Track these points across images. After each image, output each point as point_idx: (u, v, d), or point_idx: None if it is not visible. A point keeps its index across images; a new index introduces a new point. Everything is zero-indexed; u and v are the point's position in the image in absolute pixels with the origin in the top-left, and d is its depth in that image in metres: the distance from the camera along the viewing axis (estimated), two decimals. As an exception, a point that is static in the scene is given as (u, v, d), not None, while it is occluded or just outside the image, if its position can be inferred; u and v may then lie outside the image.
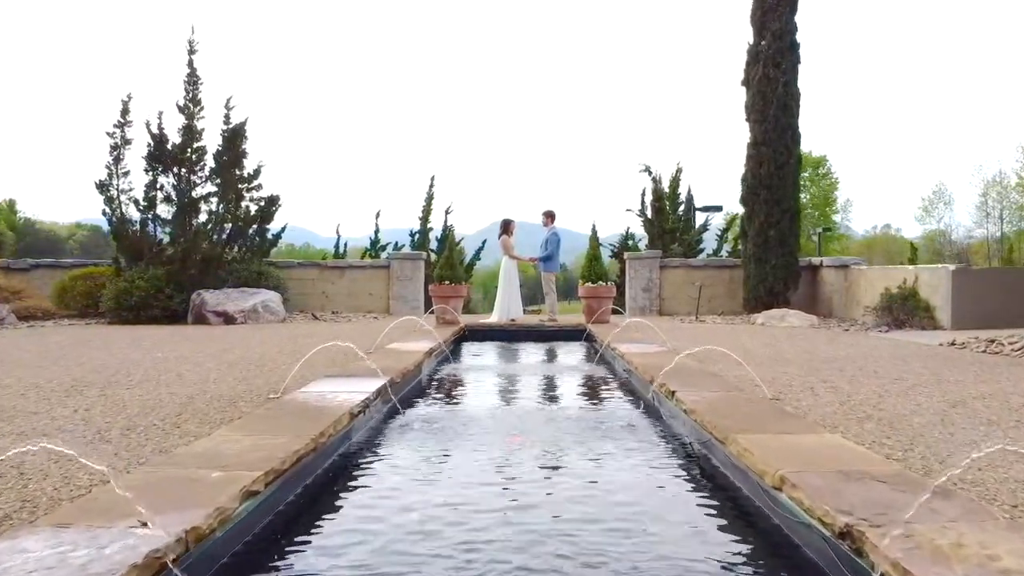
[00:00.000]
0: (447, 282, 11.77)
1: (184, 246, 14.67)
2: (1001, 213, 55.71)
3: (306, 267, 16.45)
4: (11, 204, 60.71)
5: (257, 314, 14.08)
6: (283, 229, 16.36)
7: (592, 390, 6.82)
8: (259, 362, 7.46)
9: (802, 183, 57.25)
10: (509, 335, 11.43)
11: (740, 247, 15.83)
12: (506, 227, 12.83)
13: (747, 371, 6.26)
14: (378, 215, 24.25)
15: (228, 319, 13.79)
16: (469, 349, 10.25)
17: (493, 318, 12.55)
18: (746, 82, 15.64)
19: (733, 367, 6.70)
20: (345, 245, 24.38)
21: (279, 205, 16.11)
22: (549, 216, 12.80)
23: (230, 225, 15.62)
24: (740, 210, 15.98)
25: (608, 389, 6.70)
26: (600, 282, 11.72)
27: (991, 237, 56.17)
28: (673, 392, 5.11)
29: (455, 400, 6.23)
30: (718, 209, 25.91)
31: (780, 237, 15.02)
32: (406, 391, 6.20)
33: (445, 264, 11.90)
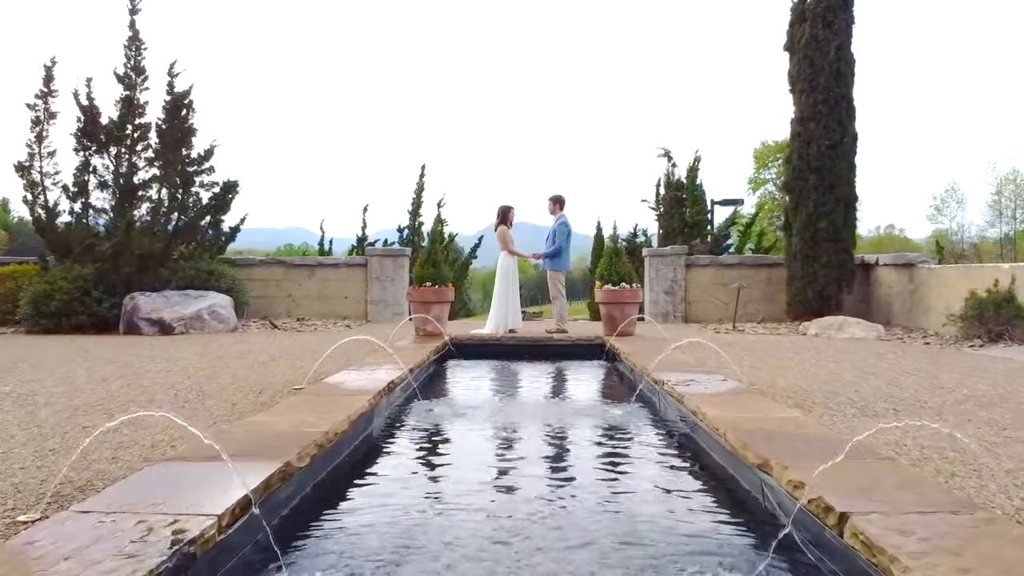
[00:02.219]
0: (428, 284, 9.01)
1: (116, 240, 11.92)
2: (1014, 212, 53.09)
3: (269, 265, 13.69)
4: (4, 203, 58.19)
5: (201, 322, 11.33)
6: (242, 220, 13.60)
7: (642, 467, 4.04)
8: (63, 419, 4.68)
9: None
10: (507, 352, 8.67)
11: (784, 242, 13.04)
12: (504, 216, 10.07)
13: (922, 442, 3.50)
14: (366, 209, 21.45)
15: (164, 328, 11.04)
16: (453, 375, 7.49)
17: (487, 329, 9.76)
18: (789, 46, 12.87)
19: (891, 435, 3.92)
20: (331, 243, 21.65)
21: (236, 192, 13.34)
22: (557, 202, 10.03)
23: (178, 216, 12.89)
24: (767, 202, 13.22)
25: (672, 469, 3.91)
26: (623, 284, 8.95)
27: (1004, 236, 53.50)
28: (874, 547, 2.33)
29: (405, 499, 3.42)
30: (739, 203, 23.16)
31: (832, 230, 12.24)
32: (324, 474, 3.46)
33: (425, 261, 9.13)
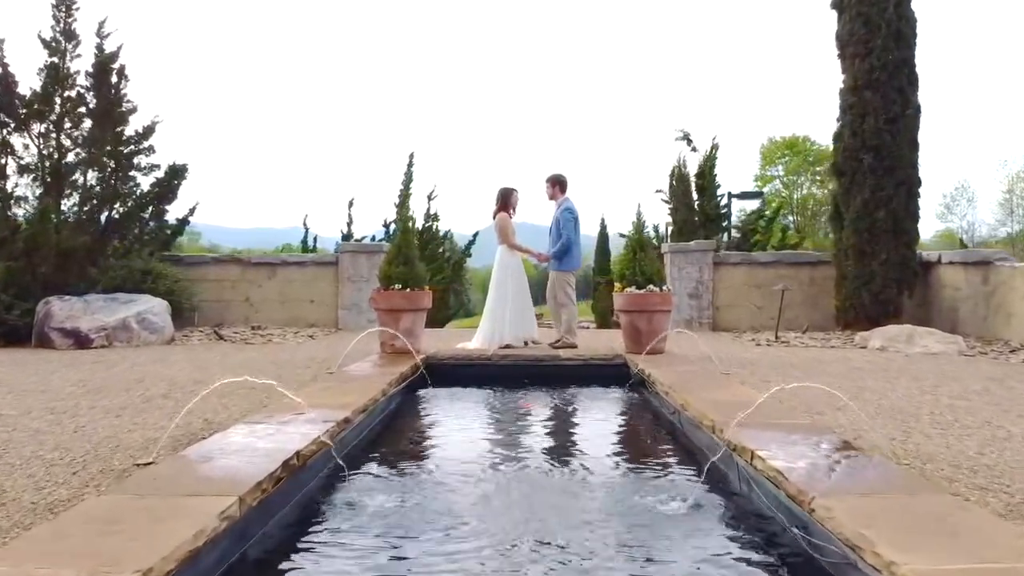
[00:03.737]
0: (398, 286, 6.78)
1: (29, 233, 9.72)
2: (1027, 210, 50.89)
3: (223, 264, 11.46)
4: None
5: (128, 332, 9.12)
6: (192, 211, 11.41)
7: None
8: None
9: (817, 178, 52.76)
10: (499, 375, 6.44)
11: (832, 236, 10.80)
12: (505, 200, 7.81)
13: None
14: (351, 204, 19.35)
15: (80, 340, 8.84)
16: (416, 420, 5.26)
17: (476, 342, 7.52)
18: (838, 3, 10.66)
19: None
20: (315, 240, 19.48)
21: (184, 178, 11.15)
22: (557, 184, 7.78)
23: (111, 206, 10.69)
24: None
25: None
26: (651, 286, 6.72)
27: (1016, 234, 51.34)
28: None
29: None
30: (758, 195, 20.97)
31: (892, 221, 10.03)
32: None
33: (394, 257, 6.90)
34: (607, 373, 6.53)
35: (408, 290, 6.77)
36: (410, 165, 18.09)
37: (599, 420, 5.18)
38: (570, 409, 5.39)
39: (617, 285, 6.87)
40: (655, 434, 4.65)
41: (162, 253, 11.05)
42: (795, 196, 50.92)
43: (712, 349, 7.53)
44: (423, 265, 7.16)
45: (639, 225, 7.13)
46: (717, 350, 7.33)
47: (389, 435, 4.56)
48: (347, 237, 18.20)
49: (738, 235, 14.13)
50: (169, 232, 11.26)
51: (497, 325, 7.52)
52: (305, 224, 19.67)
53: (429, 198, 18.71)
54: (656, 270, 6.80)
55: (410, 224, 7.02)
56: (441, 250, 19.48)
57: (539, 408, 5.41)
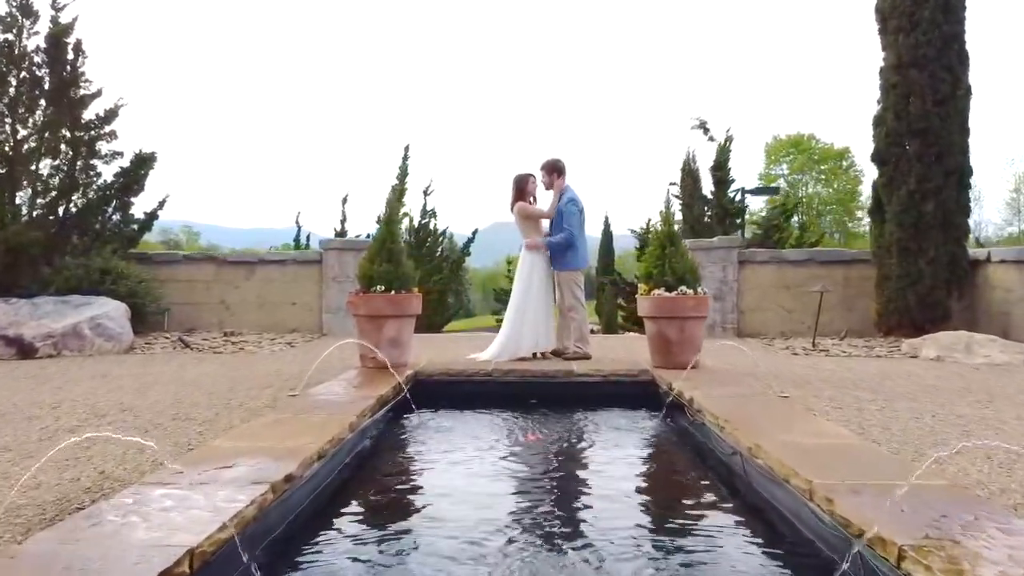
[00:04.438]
0: (379, 288, 5.63)
1: (-29, 227, 8.59)
2: (1033, 210, 49.76)
3: (196, 263, 10.30)
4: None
5: (80, 339, 7.98)
6: (161, 205, 10.26)
7: None
8: None
9: (822, 176, 51.55)
10: (501, 396, 5.30)
11: (872, 230, 9.62)
12: (521, 188, 6.63)
13: None
14: (345, 200, 18.24)
15: (25, 350, 7.70)
16: (392, 462, 4.11)
17: (491, 351, 6.30)
18: (878, -29, 9.53)
19: None
20: (307, 238, 18.36)
21: (151, 167, 10.02)
22: (553, 170, 6.63)
23: (68, 198, 9.55)
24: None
25: None
26: (684, 288, 5.57)
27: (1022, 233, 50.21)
28: None
29: None
30: (774, 191, 19.85)
31: (942, 214, 8.89)
32: None
33: (376, 254, 5.73)
34: (631, 392, 5.38)
35: (393, 292, 5.61)
36: (405, 158, 16.96)
37: (628, 461, 4.02)
38: (589, 446, 4.24)
39: (642, 286, 5.70)
40: (700, 474, 3.52)
41: (128, 251, 9.90)
42: (800, 195, 49.74)
43: (749, 360, 6.39)
44: (411, 263, 5.99)
45: (668, 215, 5.93)
46: (755, 361, 6.19)
47: (356, 488, 3.41)
48: (341, 235, 17.08)
49: (759, 232, 12.97)
50: (136, 227, 10.10)
51: (518, 333, 6.36)
52: (297, 222, 18.54)
53: (425, 193, 17.60)
54: (690, 268, 5.63)
55: (397, 214, 5.88)
56: (440, 250, 18.34)
57: (550, 442, 4.26)
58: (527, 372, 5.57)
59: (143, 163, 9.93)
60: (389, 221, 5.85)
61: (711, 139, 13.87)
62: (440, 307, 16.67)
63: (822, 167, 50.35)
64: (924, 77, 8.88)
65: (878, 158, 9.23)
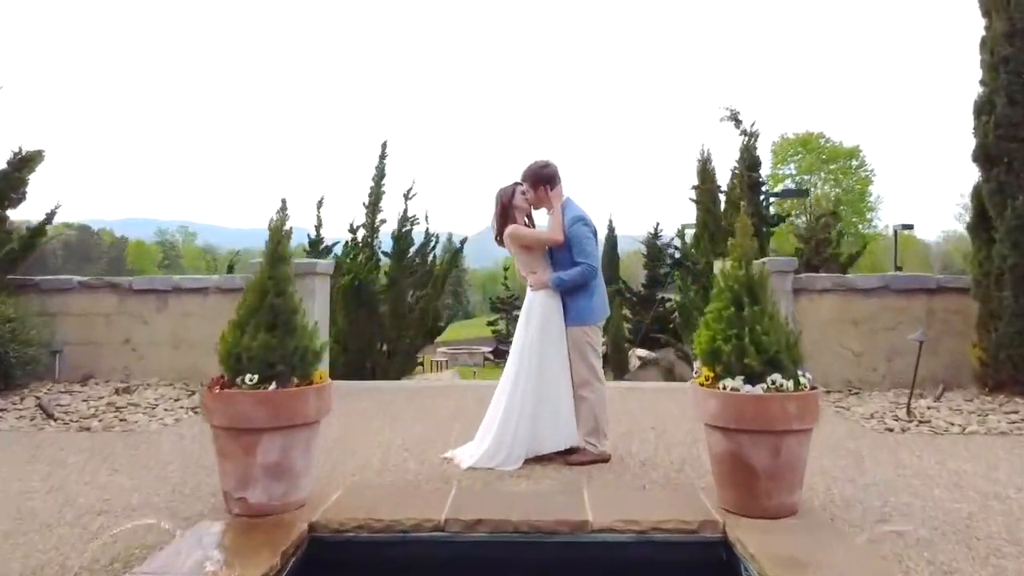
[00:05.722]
0: (251, 379, 3.24)
1: None
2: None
3: (94, 291, 7.92)
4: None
5: None
6: (51, 216, 7.93)
7: None
8: None
9: (832, 176, 49.19)
10: (451, 569, 2.98)
11: (974, 251, 7.21)
12: (504, 208, 4.56)
13: None
14: (320, 204, 15.81)
15: None
16: None
17: (483, 448, 4.23)
18: (978, -88, 7.18)
19: None
20: (310, 240, 15.98)
21: (34, 168, 7.69)
22: (539, 181, 4.56)
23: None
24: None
25: None
26: (777, 378, 3.17)
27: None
28: None
29: None
30: (804, 193, 17.51)
31: (1074, 231, 6.56)
32: None
33: (250, 312, 3.31)
34: (686, 560, 3.05)
35: (274, 387, 3.26)
36: (382, 157, 14.59)
37: None
38: None
39: (703, 371, 3.30)
40: None
41: (5, 277, 7.55)
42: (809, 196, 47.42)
43: (849, 463, 4.05)
44: (316, 329, 3.62)
45: (746, 249, 3.42)
46: (821, 439, 3.86)
47: None
48: (315, 243, 14.74)
49: (802, 247, 10.60)
50: (16, 245, 7.75)
51: (519, 424, 4.22)
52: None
53: (406, 197, 15.17)
54: (788, 342, 3.23)
55: (283, 235, 3.49)
56: (431, 258, 15.93)
57: None
58: (507, 524, 3.20)
59: (24, 164, 7.60)
60: (273, 255, 3.46)
61: (743, 133, 11.55)
62: (421, 329, 14.34)
63: (831, 166, 48.03)
64: (1048, 49, 6.55)
65: (984, 156, 6.88)
